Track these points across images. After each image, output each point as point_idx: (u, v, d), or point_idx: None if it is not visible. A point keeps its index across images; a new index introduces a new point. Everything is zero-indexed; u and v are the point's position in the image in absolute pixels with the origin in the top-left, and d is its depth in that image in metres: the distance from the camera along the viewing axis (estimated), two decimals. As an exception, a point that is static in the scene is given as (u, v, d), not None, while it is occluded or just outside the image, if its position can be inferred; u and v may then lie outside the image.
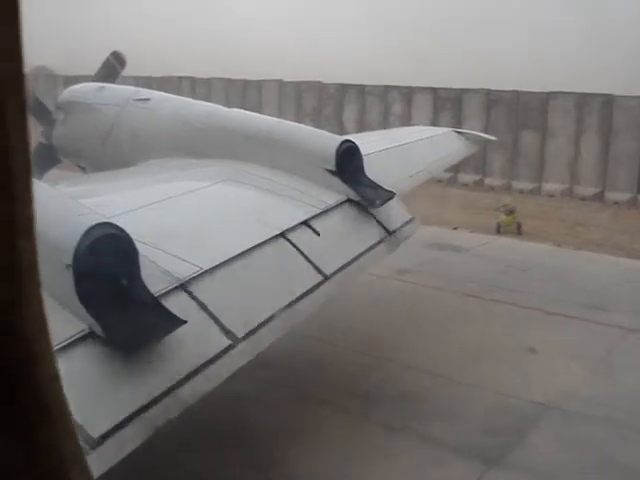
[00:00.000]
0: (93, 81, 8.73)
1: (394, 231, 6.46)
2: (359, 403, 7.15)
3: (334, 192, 6.27)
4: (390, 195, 6.50)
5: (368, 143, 7.63)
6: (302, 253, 5.18)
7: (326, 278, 5.18)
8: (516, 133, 22.21)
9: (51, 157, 8.52)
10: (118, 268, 3.57)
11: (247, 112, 7.62)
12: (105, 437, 3.08)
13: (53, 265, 3.29)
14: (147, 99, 7.68)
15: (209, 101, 8.64)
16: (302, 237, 5.34)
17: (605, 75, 20.60)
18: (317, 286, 5.06)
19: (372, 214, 6.34)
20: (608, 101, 20.68)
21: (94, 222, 3.59)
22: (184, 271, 4.17)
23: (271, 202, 5.88)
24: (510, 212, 16.59)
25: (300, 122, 8.94)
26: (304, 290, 4.92)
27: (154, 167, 6.80)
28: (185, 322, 3.63)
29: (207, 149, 6.81)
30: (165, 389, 3.48)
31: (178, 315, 3.67)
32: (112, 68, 9.21)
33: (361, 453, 6.26)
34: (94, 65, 9.33)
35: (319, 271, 5.17)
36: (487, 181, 22.62)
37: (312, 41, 27.70)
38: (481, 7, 26.46)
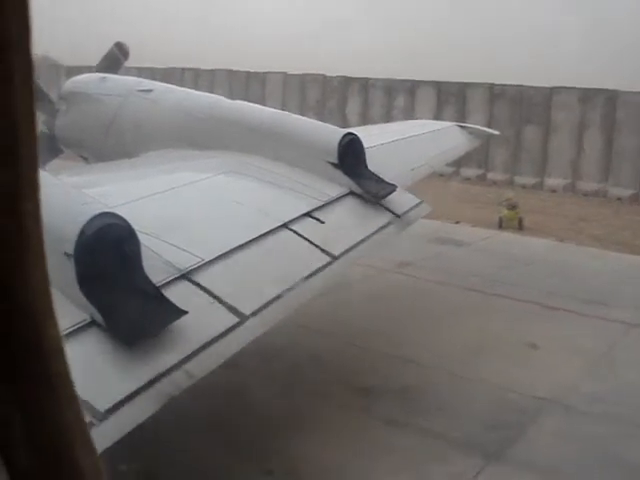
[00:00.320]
0: (96, 72, 8.72)
1: (402, 214, 6.45)
2: (360, 397, 7.15)
3: (336, 185, 6.27)
4: (392, 188, 6.50)
5: (371, 136, 7.63)
6: (307, 239, 5.18)
7: (334, 258, 5.17)
8: (519, 128, 22.17)
9: (53, 147, 8.52)
10: (119, 258, 3.57)
11: (250, 104, 7.61)
12: (113, 410, 3.08)
13: (55, 254, 3.29)
14: (150, 90, 7.67)
15: (212, 93, 8.63)
16: (306, 226, 5.35)
17: (609, 70, 20.55)
18: (325, 266, 5.06)
19: (377, 203, 6.34)
20: (612, 96, 20.63)
21: (96, 212, 3.59)
22: (186, 261, 4.17)
23: (273, 194, 5.88)
24: (512, 207, 16.56)
25: (303, 115, 8.94)
26: (312, 271, 4.92)
27: (156, 158, 6.80)
28: (186, 312, 3.63)
29: (209, 140, 6.81)
30: (174, 364, 3.49)
31: (181, 302, 3.67)
32: (115, 59, 9.20)
33: (362, 447, 6.26)
34: (97, 56, 9.32)
35: (326, 253, 5.17)
36: (490, 175, 22.59)
37: (316, 34, 27.63)
38: (485, 1, 26.41)
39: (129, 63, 9.57)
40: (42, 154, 7.96)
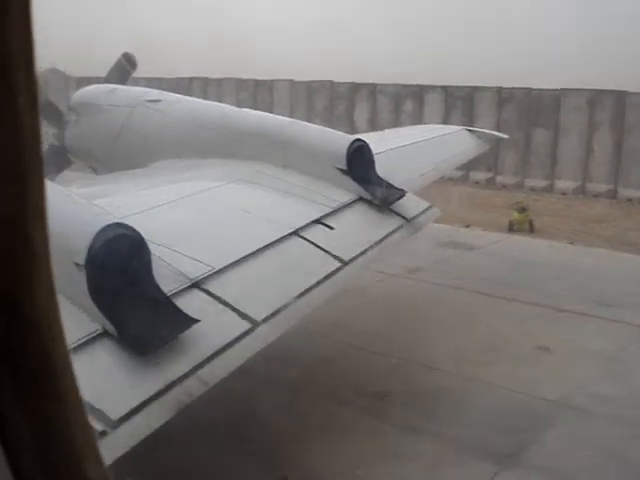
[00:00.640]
0: (104, 82, 8.76)
1: (412, 218, 6.46)
2: (372, 402, 7.15)
3: (346, 191, 6.28)
4: (401, 193, 6.51)
5: (379, 142, 7.63)
6: (318, 246, 5.20)
7: (344, 264, 5.18)
8: (528, 131, 22.12)
9: (63, 158, 8.56)
10: (130, 268, 3.59)
11: (258, 112, 7.64)
12: (125, 418, 3.09)
13: (66, 265, 3.31)
14: (158, 100, 7.71)
15: (220, 102, 8.66)
16: (316, 233, 5.36)
17: (618, 72, 20.49)
18: (336, 271, 5.08)
19: (386, 208, 6.35)
20: (620, 98, 20.57)
21: (106, 223, 3.61)
22: (197, 270, 4.18)
23: (283, 201, 5.89)
24: (522, 210, 16.54)
25: (311, 122, 8.96)
26: (323, 276, 4.93)
27: (165, 168, 6.83)
28: (198, 321, 3.65)
29: (218, 149, 6.83)
30: (187, 370, 3.50)
31: (193, 310, 3.69)
32: (123, 69, 9.25)
33: (375, 453, 6.26)
34: (105, 67, 9.37)
35: (337, 258, 5.18)
36: (499, 179, 22.54)
37: (324, 40, 27.67)
38: (493, 5, 26.38)
39: (137, 74, 9.61)
40: (52, 165, 8.02)
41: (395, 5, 28.33)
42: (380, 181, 6.51)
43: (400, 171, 7.15)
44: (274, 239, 4.99)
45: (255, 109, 7.84)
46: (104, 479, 0.89)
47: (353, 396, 7.24)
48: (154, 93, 7.95)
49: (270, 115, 7.64)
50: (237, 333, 3.94)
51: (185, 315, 3.66)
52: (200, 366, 3.58)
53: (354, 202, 6.24)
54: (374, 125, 23.99)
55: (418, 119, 23.12)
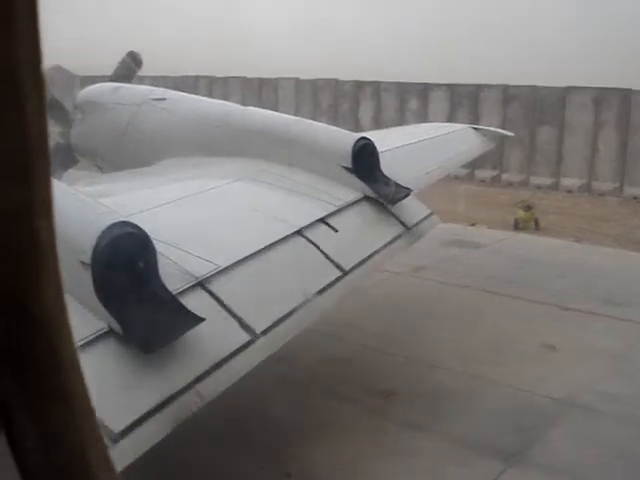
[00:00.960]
0: (110, 81, 8.77)
1: (412, 226, 6.45)
2: (377, 400, 7.14)
3: (351, 189, 6.27)
4: (406, 192, 6.50)
5: (384, 140, 7.61)
6: (320, 249, 5.19)
7: (345, 273, 5.18)
8: (533, 129, 22.10)
9: (69, 157, 8.57)
10: (136, 267, 3.59)
11: (263, 110, 7.63)
12: (126, 432, 3.09)
13: (71, 264, 3.31)
14: (163, 98, 7.70)
15: (226, 100, 8.66)
16: (319, 234, 5.35)
17: (623, 70, 20.45)
18: (336, 281, 5.07)
19: (389, 210, 6.34)
20: (626, 96, 20.53)
21: (112, 221, 3.60)
22: (202, 269, 4.18)
23: (288, 200, 5.89)
24: (528, 208, 16.53)
25: (316, 120, 8.94)
26: (323, 285, 4.93)
27: (171, 166, 6.82)
28: (203, 320, 3.64)
29: (223, 148, 6.83)
30: (185, 385, 3.50)
31: (196, 312, 3.68)
32: (128, 68, 9.25)
33: (380, 451, 6.26)
34: (111, 65, 9.38)
35: (337, 266, 5.17)
36: (504, 177, 22.53)
37: (328, 39, 27.67)
38: (498, 3, 26.34)
39: (142, 72, 9.62)
40: (58, 164, 8.03)
41: (400, 3, 28.30)
42: (385, 179, 6.49)
43: (405, 169, 7.13)
44: (278, 238, 4.98)
45: (260, 107, 7.83)
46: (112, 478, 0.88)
47: (358, 394, 7.24)
48: (159, 91, 7.95)
49: (275, 113, 7.64)
50: (236, 345, 3.95)
51: (191, 314, 3.66)
52: (199, 380, 3.58)
53: (359, 200, 6.23)
54: (379, 123, 23.99)
55: (423, 117, 23.12)
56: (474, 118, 21.83)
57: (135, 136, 7.59)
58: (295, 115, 7.83)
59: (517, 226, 16.05)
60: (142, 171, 6.85)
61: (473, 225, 15.46)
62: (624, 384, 7.47)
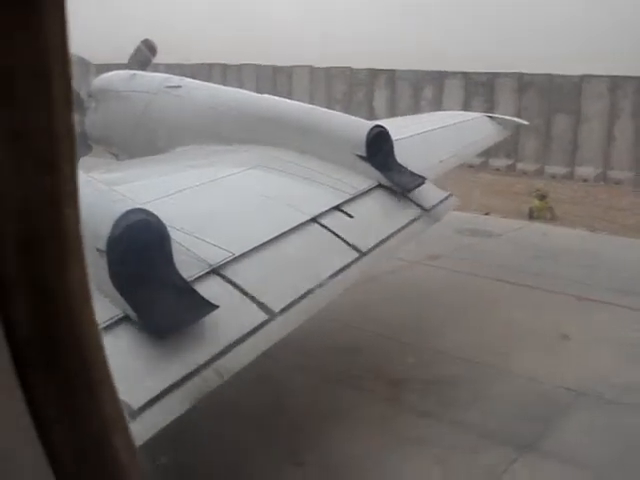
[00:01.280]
0: (124, 69, 8.78)
1: (430, 208, 6.44)
2: (390, 389, 7.16)
3: (365, 177, 6.27)
4: (421, 180, 6.48)
5: (398, 128, 7.60)
6: (336, 234, 5.19)
7: (362, 254, 5.18)
8: (549, 117, 21.96)
9: (84, 145, 8.60)
10: (151, 254, 3.61)
11: (277, 98, 7.63)
12: (145, 408, 3.12)
13: (87, 250, 3.33)
14: (178, 86, 7.71)
15: (240, 88, 8.66)
16: (335, 220, 5.36)
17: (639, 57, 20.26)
18: (354, 262, 5.08)
19: (405, 196, 6.33)
20: (643, 84, 20.37)
21: (127, 208, 3.63)
22: (217, 257, 4.20)
23: (302, 188, 5.89)
24: (542, 197, 16.44)
25: (330, 108, 8.93)
26: (340, 266, 4.93)
27: (186, 154, 6.84)
28: (217, 307, 3.66)
29: (238, 135, 6.83)
30: (204, 361, 3.52)
31: (212, 297, 3.70)
32: (143, 56, 9.26)
33: (393, 439, 6.28)
34: (126, 53, 9.39)
35: (355, 248, 5.18)
36: (519, 166, 22.41)
37: (342, 26, 27.57)
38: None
39: (157, 60, 9.62)
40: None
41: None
42: (400, 168, 6.48)
43: (420, 158, 7.11)
44: (293, 225, 4.99)
45: (275, 95, 7.82)
46: (135, 461, 0.90)
47: (371, 383, 7.26)
48: (175, 79, 7.96)
49: (289, 101, 7.63)
50: (254, 324, 3.96)
51: (205, 300, 3.68)
52: (217, 357, 3.60)
53: (373, 189, 6.23)
54: (393, 111, 23.90)
55: (438, 105, 23.02)
56: (489, 106, 21.71)
57: (150, 124, 7.61)
58: (309, 103, 7.82)
59: (532, 215, 15.97)
60: (157, 159, 6.88)
61: (487, 214, 15.40)
62: (637, 374, 7.44)
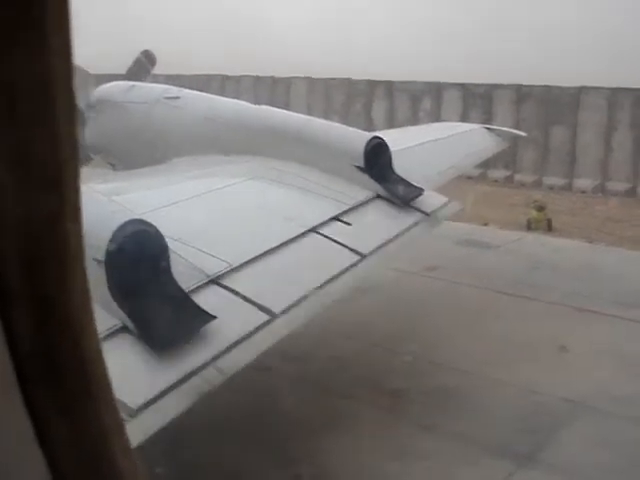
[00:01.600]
0: (124, 80, 8.80)
1: (430, 213, 6.45)
2: (388, 400, 7.14)
3: (363, 189, 6.28)
4: (419, 192, 6.50)
5: (397, 139, 7.61)
6: (336, 241, 5.20)
7: (363, 257, 5.19)
8: (547, 129, 22.00)
9: (82, 155, 8.61)
10: (149, 265, 3.61)
11: (276, 109, 7.65)
12: (144, 407, 3.11)
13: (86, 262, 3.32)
14: (177, 97, 7.73)
15: (239, 99, 8.67)
16: (334, 229, 5.37)
17: (637, 70, 20.32)
18: (354, 265, 5.09)
19: (404, 205, 6.35)
20: (640, 96, 20.43)
21: (125, 219, 3.63)
22: (215, 267, 4.20)
23: (301, 199, 5.90)
24: (540, 208, 16.45)
25: (329, 119, 8.95)
26: (341, 269, 4.94)
27: (184, 164, 6.85)
28: (215, 317, 3.66)
29: (236, 146, 6.84)
30: (205, 361, 3.52)
31: (211, 304, 3.71)
32: (143, 66, 9.29)
33: (390, 451, 6.25)
34: (125, 64, 9.41)
35: (355, 252, 5.19)
36: (517, 177, 22.43)
37: (342, 38, 27.66)
38: (510, 3, 26.25)
39: (156, 70, 9.65)
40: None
41: (414, 2, 28.27)
42: (398, 179, 6.49)
43: (418, 169, 7.13)
44: (292, 236, 5.00)
45: (273, 106, 7.84)
46: (134, 470, 0.91)
47: (370, 394, 7.24)
48: (173, 90, 7.98)
49: (288, 112, 7.65)
50: (255, 324, 3.97)
51: (203, 311, 3.68)
52: (219, 356, 3.60)
53: (372, 200, 6.23)
54: (392, 123, 23.94)
55: (436, 117, 23.05)
56: (487, 118, 21.75)
57: (148, 134, 7.63)
58: (308, 114, 7.84)
59: (530, 226, 15.98)
60: (155, 169, 6.89)
61: (485, 225, 15.40)
62: (638, 387, 7.42)
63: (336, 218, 5.58)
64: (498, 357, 8.10)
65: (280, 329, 4.08)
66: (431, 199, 6.65)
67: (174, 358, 3.46)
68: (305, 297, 4.43)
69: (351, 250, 5.19)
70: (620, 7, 22.58)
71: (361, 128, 7.59)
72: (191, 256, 4.16)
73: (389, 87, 25.37)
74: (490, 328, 9.00)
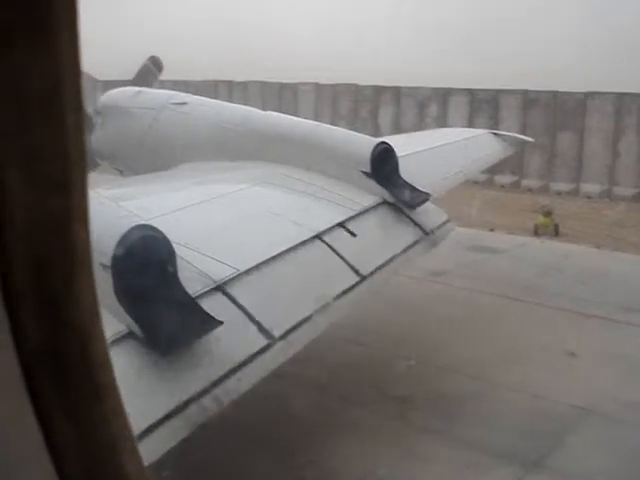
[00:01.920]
0: (131, 85, 8.83)
1: (430, 231, 6.45)
2: (395, 405, 7.13)
3: (370, 194, 6.28)
4: (425, 197, 6.50)
5: (403, 145, 7.62)
6: (338, 254, 5.20)
7: (363, 278, 5.19)
8: (554, 134, 21.96)
9: (90, 160, 8.63)
10: (156, 270, 3.61)
11: (283, 115, 7.66)
12: (144, 435, 3.10)
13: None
14: (184, 103, 7.75)
15: (246, 105, 8.70)
16: (338, 238, 5.37)
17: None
18: (354, 286, 5.08)
19: (408, 215, 6.35)
20: (647, 101, 20.38)
21: (132, 224, 3.64)
22: (221, 273, 4.20)
23: (307, 204, 5.90)
24: (548, 213, 16.41)
25: (336, 125, 8.96)
26: (341, 290, 4.94)
27: (191, 170, 6.86)
28: (222, 323, 3.66)
29: (243, 152, 6.86)
30: (203, 388, 3.52)
31: (215, 316, 3.70)
32: (150, 72, 9.32)
33: (397, 456, 6.24)
34: (132, 70, 9.44)
35: (355, 271, 5.19)
36: (524, 183, 22.38)
37: (348, 44, 27.69)
38: (517, 7, 26.22)
39: (163, 76, 9.68)
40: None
41: (420, 7, 28.28)
42: (404, 184, 6.50)
43: (424, 174, 7.13)
44: (297, 242, 5.00)
45: (280, 112, 7.86)
46: (142, 474, 0.91)
47: (376, 399, 7.23)
48: (180, 96, 8.00)
49: (295, 118, 7.66)
50: (254, 349, 3.98)
51: (209, 317, 3.68)
52: (216, 384, 3.60)
53: (378, 205, 6.24)
54: (398, 128, 23.93)
55: (443, 122, 23.04)
56: (494, 123, 21.73)
57: (156, 140, 7.65)
58: (315, 120, 7.85)
59: (537, 232, 15.94)
60: (162, 175, 6.90)
61: (492, 230, 15.38)
62: (644, 391, 7.40)
63: (342, 224, 5.59)
64: (505, 362, 8.08)
65: (278, 354, 4.09)
66: (432, 215, 6.65)
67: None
68: (305, 319, 4.43)
69: (352, 268, 5.19)
70: (628, 12, 22.54)
71: (368, 134, 7.60)
72: (198, 261, 4.17)
73: (396, 92, 25.36)
74: (497, 333, 8.98)
